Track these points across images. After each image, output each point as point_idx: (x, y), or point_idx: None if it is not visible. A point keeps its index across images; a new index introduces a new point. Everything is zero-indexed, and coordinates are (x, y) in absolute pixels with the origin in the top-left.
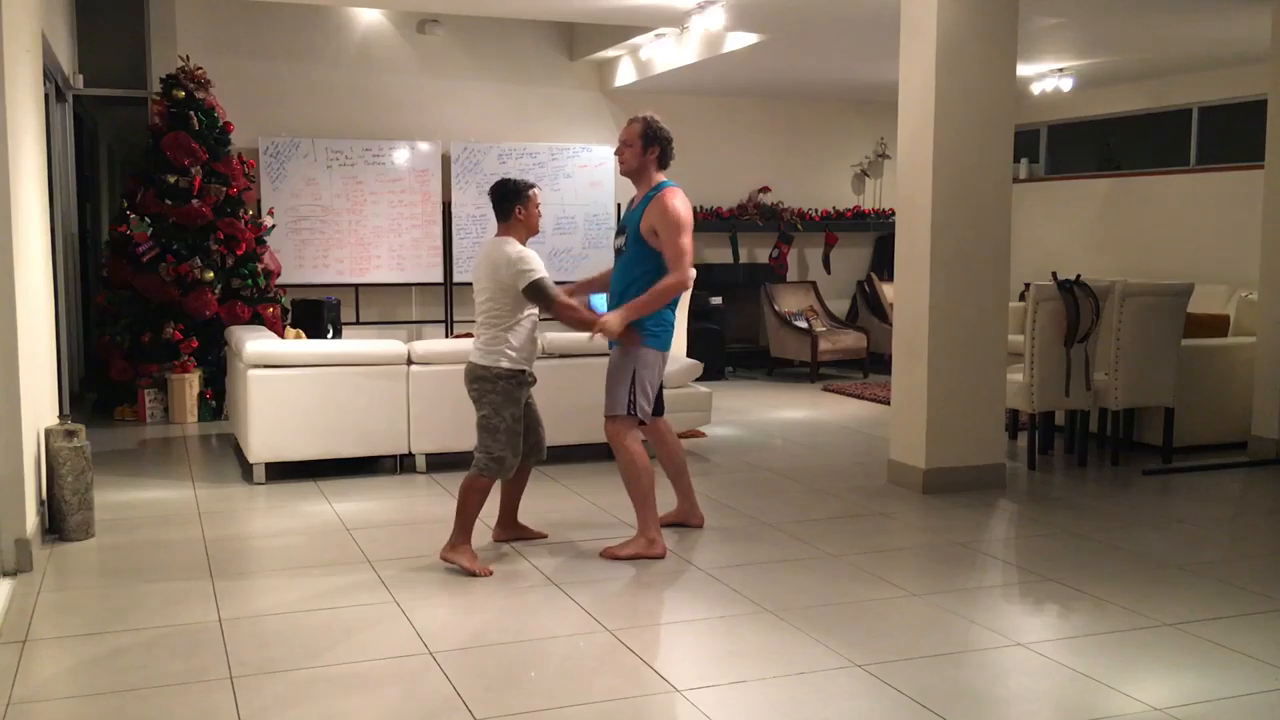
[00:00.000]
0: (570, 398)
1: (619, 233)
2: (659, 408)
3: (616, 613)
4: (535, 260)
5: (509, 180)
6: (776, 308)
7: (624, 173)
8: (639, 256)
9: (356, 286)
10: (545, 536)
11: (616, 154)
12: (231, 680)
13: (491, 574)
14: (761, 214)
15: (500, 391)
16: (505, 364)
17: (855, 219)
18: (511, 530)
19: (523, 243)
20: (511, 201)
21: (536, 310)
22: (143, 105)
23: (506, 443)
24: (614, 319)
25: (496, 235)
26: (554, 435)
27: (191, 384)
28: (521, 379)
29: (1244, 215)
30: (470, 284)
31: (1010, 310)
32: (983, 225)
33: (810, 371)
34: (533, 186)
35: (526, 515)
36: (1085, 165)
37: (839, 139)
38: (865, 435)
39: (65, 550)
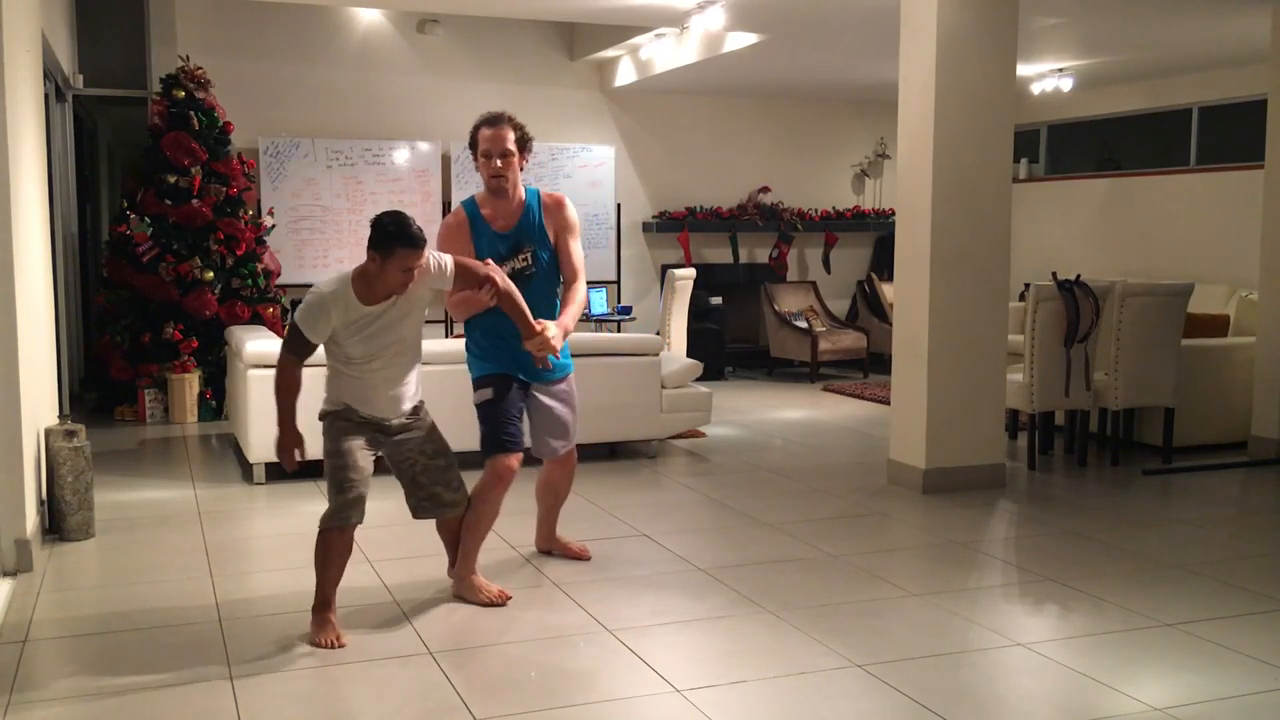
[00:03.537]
0: None
1: (514, 254)
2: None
3: (616, 613)
4: (313, 305)
5: (390, 221)
6: (776, 308)
7: (502, 188)
8: (553, 269)
9: None
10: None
11: (499, 170)
12: (231, 680)
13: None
14: (761, 214)
15: (325, 430)
16: (325, 405)
17: (855, 219)
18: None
19: (366, 296)
20: (371, 246)
21: (361, 367)
22: (143, 105)
23: (332, 483)
24: (560, 334)
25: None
26: None
27: (191, 384)
28: (333, 417)
29: (1244, 215)
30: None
31: (1010, 310)
32: (983, 225)
33: (810, 371)
34: (415, 246)
35: (526, 516)
36: (1085, 165)
37: (839, 139)
38: (865, 435)
39: (65, 550)
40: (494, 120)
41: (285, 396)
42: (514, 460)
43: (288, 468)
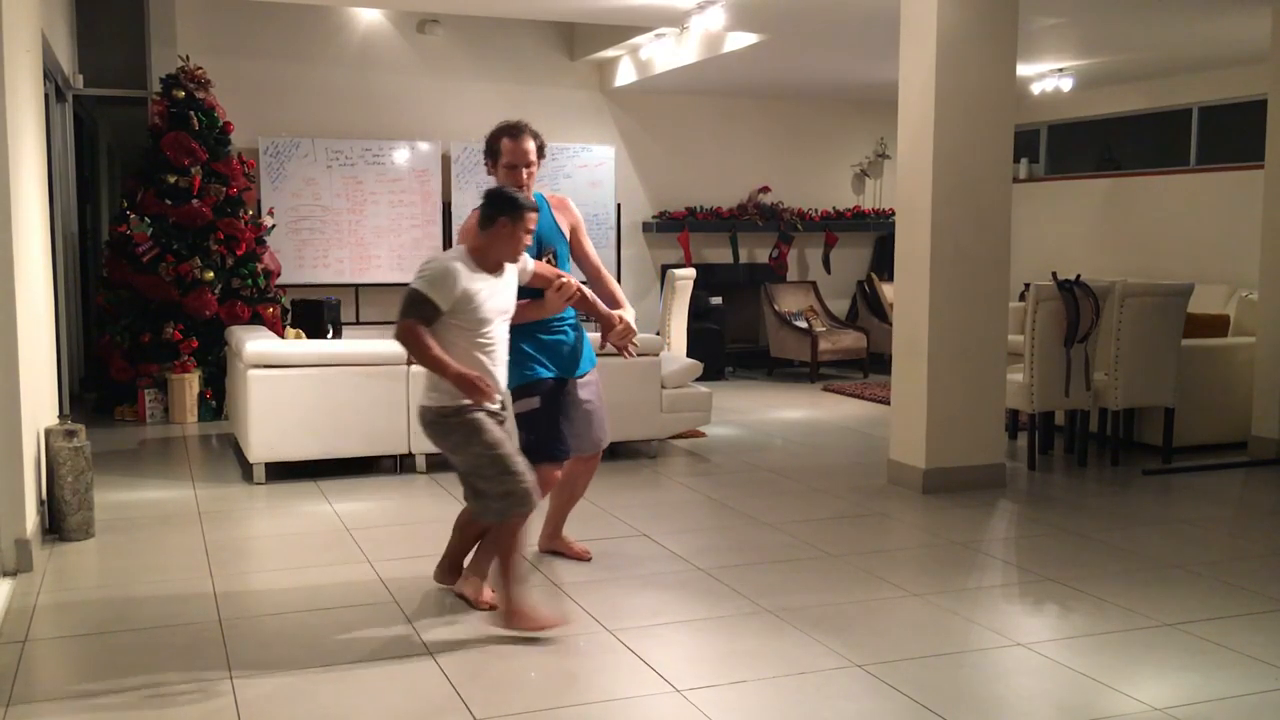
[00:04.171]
0: None
1: (538, 255)
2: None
3: (616, 613)
4: (441, 271)
5: (510, 191)
6: (776, 308)
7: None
8: (566, 266)
9: (356, 286)
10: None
11: (523, 176)
12: (231, 680)
13: (563, 623)
14: (761, 214)
15: (453, 429)
16: (446, 401)
17: (855, 219)
18: (453, 576)
19: (488, 265)
20: (501, 212)
21: (486, 331)
22: (143, 105)
23: (496, 474)
24: (633, 318)
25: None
26: None
27: (191, 384)
28: (464, 411)
29: (1244, 215)
30: None
31: (1010, 310)
32: (983, 225)
33: (810, 371)
34: (535, 210)
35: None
36: (1085, 165)
37: (839, 139)
38: (865, 435)
39: (65, 550)
40: (516, 131)
41: (431, 348)
42: (559, 471)
43: (489, 399)
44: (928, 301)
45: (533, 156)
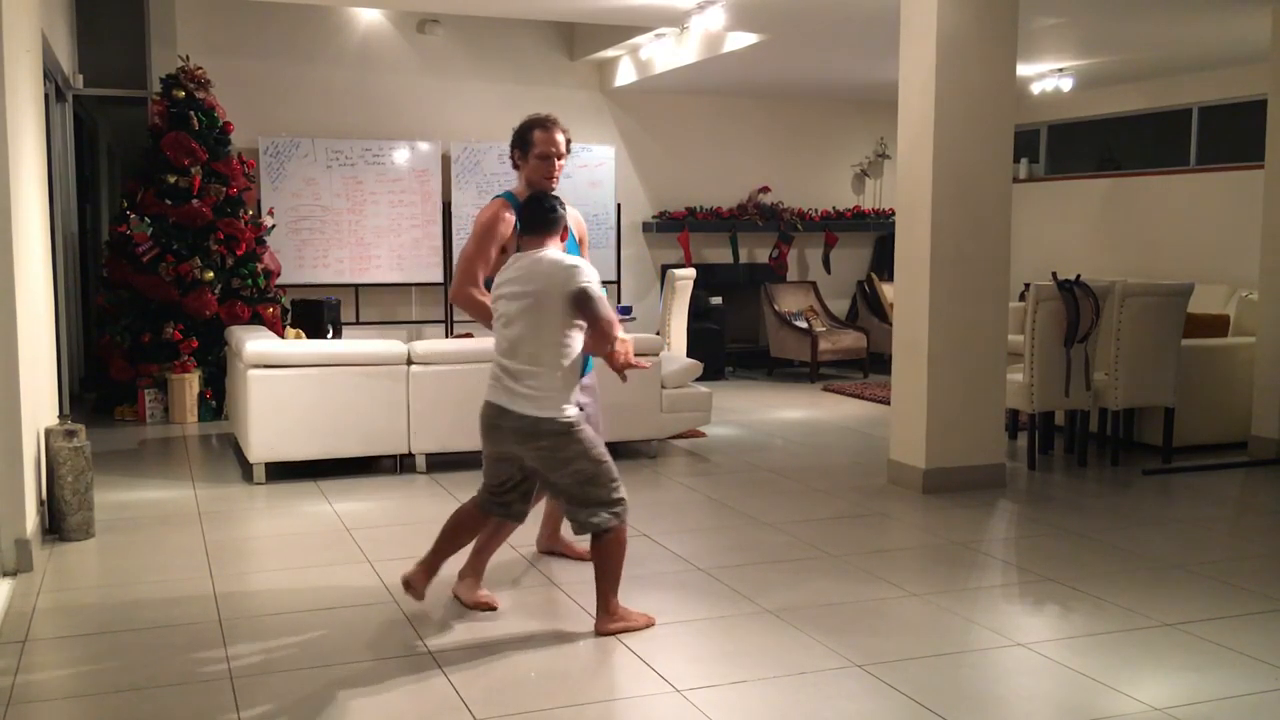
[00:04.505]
0: None
1: None
2: None
3: None
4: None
5: (550, 197)
6: (776, 308)
7: (553, 189)
8: None
9: (356, 286)
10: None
11: (555, 166)
12: (231, 680)
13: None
14: (761, 214)
15: (574, 440)
16: (573, 412)
17: (855, 219)
18: (427, 577)
19: None
20: (560, 217)
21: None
22: (143, 105)
23: (607, 480)
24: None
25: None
26: None
27: (191, 384)
28: (580, 421)
29: (1244, 215)
30: None
31: (1010, 310)
32: (983, 225)
33: (810, 371)
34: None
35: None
36: (1085, 165)
37: (839, 139)
38: (865, 435)
39: (65, 550)
40: (547, 123)
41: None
42: None
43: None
44: (928, 301)
45: (564, 148)
